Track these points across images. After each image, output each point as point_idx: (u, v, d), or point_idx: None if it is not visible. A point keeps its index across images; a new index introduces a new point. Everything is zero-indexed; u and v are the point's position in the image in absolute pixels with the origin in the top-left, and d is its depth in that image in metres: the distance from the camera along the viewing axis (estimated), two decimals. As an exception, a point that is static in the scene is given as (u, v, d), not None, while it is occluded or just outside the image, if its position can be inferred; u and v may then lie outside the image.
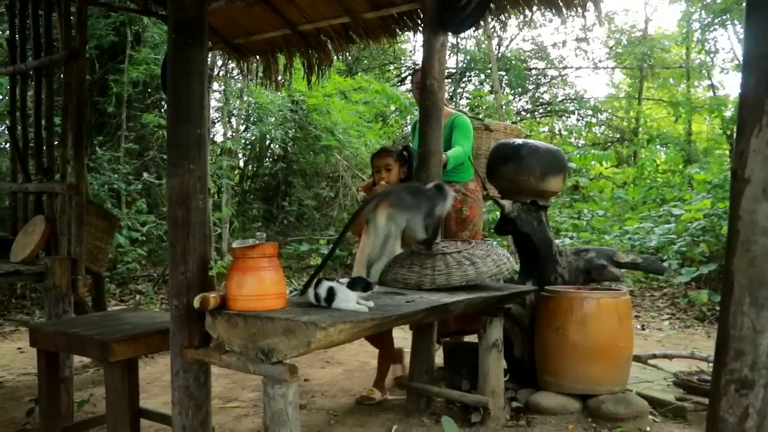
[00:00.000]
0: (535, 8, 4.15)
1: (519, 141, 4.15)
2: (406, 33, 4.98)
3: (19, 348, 5.69)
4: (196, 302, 2.49)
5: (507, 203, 3.98)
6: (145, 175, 8.89)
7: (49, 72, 4.14)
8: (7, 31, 4.75)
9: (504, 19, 4.33)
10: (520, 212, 4.05)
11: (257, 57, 5.86)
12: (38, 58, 4.17)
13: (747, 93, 1.50)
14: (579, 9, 4.04)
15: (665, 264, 7.49)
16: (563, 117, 16.70)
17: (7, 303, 7.29)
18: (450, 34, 3.97)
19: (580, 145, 15.79)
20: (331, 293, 2.58)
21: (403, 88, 14.67)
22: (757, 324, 1.48)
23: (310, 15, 5.00)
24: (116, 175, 8.49)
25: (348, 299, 2.57)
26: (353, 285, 2.61)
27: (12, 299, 7.37)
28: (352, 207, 10.16)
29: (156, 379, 4.64)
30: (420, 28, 4.63)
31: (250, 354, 2.44)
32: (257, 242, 2.56)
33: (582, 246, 4.73)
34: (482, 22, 4.16)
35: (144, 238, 8.72)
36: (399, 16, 4.71)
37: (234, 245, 2.57)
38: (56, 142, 4.21)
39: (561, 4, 4.02)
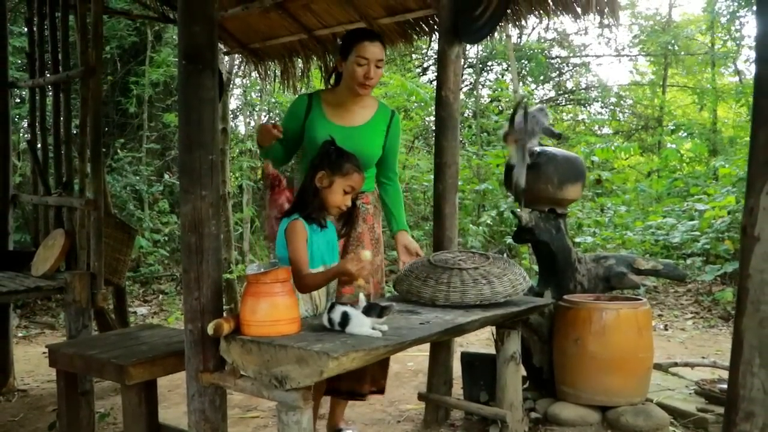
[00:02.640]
0: (551, 13, 4.10)
1: (536, 149, 4.11)
2: (422, 38, 4.94)
3: (44, 352, 5.76)
4: (210, 329, 2.49)
5: (524, 214, 3.95)
6: (167, 176, 8.95)
7: (66, 86, 4.16)
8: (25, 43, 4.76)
9: (520, 24, 4.28)
10: (538, 221, 4.02)
11: (275, 61, 5.86)
12: (56, 73, 4.20)
13: (757, 149, 1.46)
14: (596, 14, 3.98)
15: (688, 261, 7.43)
16: (587, 106, 16.54)
17: (33, 304, 7.39)
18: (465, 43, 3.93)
19: (604, 132, 15.66)
20: (345, 318, 2.57)
21: (424, 78, 14.61)
22: (768, 385, 1.45)
23: (325, 20, 4.98)
24: (138, 177, 8.55)
25: (362, 324, 2.56)
26: (368, 311, 2.60)
27: (38, 300, 7.46)
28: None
29: (177, 386, 4.67)
30: (436, 33, 4.60)
31: (264, 380, 2.44)
32: (270, 267, 2.57)
33: (602, 253, 4.68)
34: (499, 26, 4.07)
35: (167, 238, 8.79)
36: (415, 21, 4.68)
37: (247, 271, 2.57)
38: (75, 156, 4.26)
39: (578, 9, 3.97)
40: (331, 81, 3.64)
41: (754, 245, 1.47)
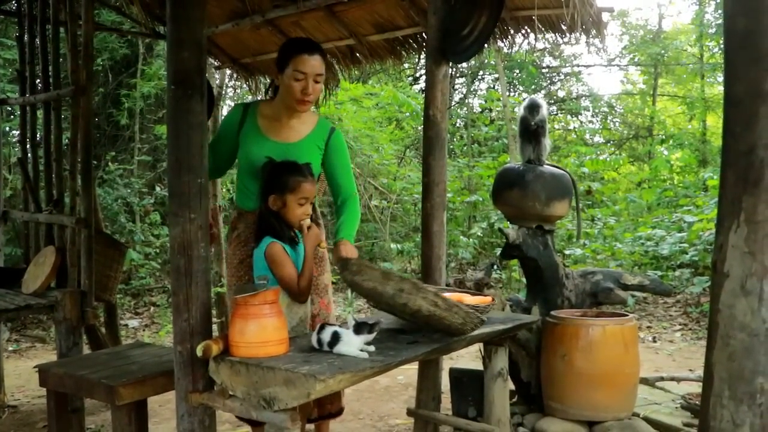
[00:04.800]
0: (538, 32, 4.14)
1: (524, 166, 4.17)
2: (412, 55, 4.99)
3: (34, 367, 5.74)
4: (199, 351, 2.52)
5: (511, 232, 3.99)
6: (158, 188, 8.96)
7: (57, 105, 4.19)
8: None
9: (508, 43, 4.33)
10: (525, 237, 4.07)
11: (265, 75, 5.89)
12: (47, 91, 4.22)
13: (726, 188, 1.51)
14: (582, 33, 4.03)
15: (677, 273, 7.49)
16: (578, 115, 16.65)
17: (24, 318, 7.38)
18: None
19: (595, 140, 15.76)
20: (335, 338, 2.59)
21: (416, 87, 14.66)
22: (737, 417, 1.49)
23: (315, 37, 4.99)
24: (129, 190, 8.57)
25: (351, 343, 2.58)
26: (359, 328, 2.62)
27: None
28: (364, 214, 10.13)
29: (168, 402, 4.67)
30: (425, 50, 4.64)
31: (253, 401, 2.47)
32: (259, 287, 2.59)
33: (589, 268, 4.73)
34: (487, 44, 4.09)
35: (158, 251, 8.80)
36: (404, 38, 4.73)
37: (235, 295, 2.60)
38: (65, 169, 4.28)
39: (564, 28, 4.02)
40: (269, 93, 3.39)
41: (723, 281, 1.52)
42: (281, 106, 3.28)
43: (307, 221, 2.93)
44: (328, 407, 3.49)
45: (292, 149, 3.25)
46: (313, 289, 3.25)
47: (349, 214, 3.35)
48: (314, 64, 3.16)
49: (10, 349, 6.55)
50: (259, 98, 6.12)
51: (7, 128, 8.05)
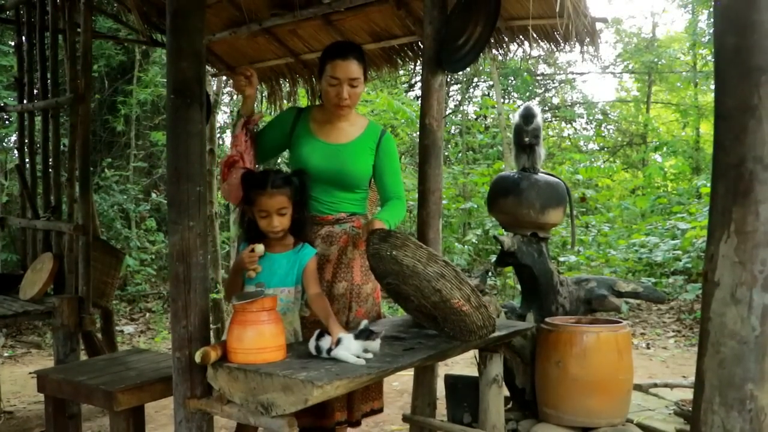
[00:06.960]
0: (533, 42, 4.19)
1: (519, 174, 4.20)
2: (408, 63, 5.03)
3: (30, 373, 5.78)
4: (198, 357, 2.54)
5: (506, 240, 4.02)
6: (154, 195, 8.97)
7: (55, 112, 4.21)
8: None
9: (503, 52, 4.37)
10: (520, 245, 4.10)
11: (262, 83, 5.93)
12: (45, 98, 4.25)
13: (716, 200, 1.55)
14: (577, 43, 4.07)
15: (671, 280, 7.53)
16: (572, 122, 16.72)
17: (19, 324, 7.38)
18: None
19: (589, 148, 15.82)
20: (336, 342, 2.62)
21: (411, 94, 14.72)
22: (727, 423, 1.53)
23: (312, 45, 5.06)
24: (125, 196, 8.58)
25: (349, 348, 2.61)
26: (359, 335, 2.65)
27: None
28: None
29: (164, 408, 4.70)
30: (420, 59, 4.68)
31: (251, 407, 2.49)
32: (257, 294, 2.62)
33: (583, 275, 4.76)
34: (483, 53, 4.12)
35: (153, 257, 8.81)
36: (400, 47, 4.77)
37: (233, 301, 2.62)
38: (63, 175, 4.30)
39: (559, 38, 4.07)
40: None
41: (714, 290, 1.56)
42: (328, 109, 3.30)
43: (260, 246, 2.88)
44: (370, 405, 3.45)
45: (342, 150, 3.29)
46: (354, 297, 3.29)
47: (390, 206, 3.30)
48: (348, 69, 3.17)
49: (6, 355, 6.55)
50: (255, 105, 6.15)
51: (3, 134, 8.08)
